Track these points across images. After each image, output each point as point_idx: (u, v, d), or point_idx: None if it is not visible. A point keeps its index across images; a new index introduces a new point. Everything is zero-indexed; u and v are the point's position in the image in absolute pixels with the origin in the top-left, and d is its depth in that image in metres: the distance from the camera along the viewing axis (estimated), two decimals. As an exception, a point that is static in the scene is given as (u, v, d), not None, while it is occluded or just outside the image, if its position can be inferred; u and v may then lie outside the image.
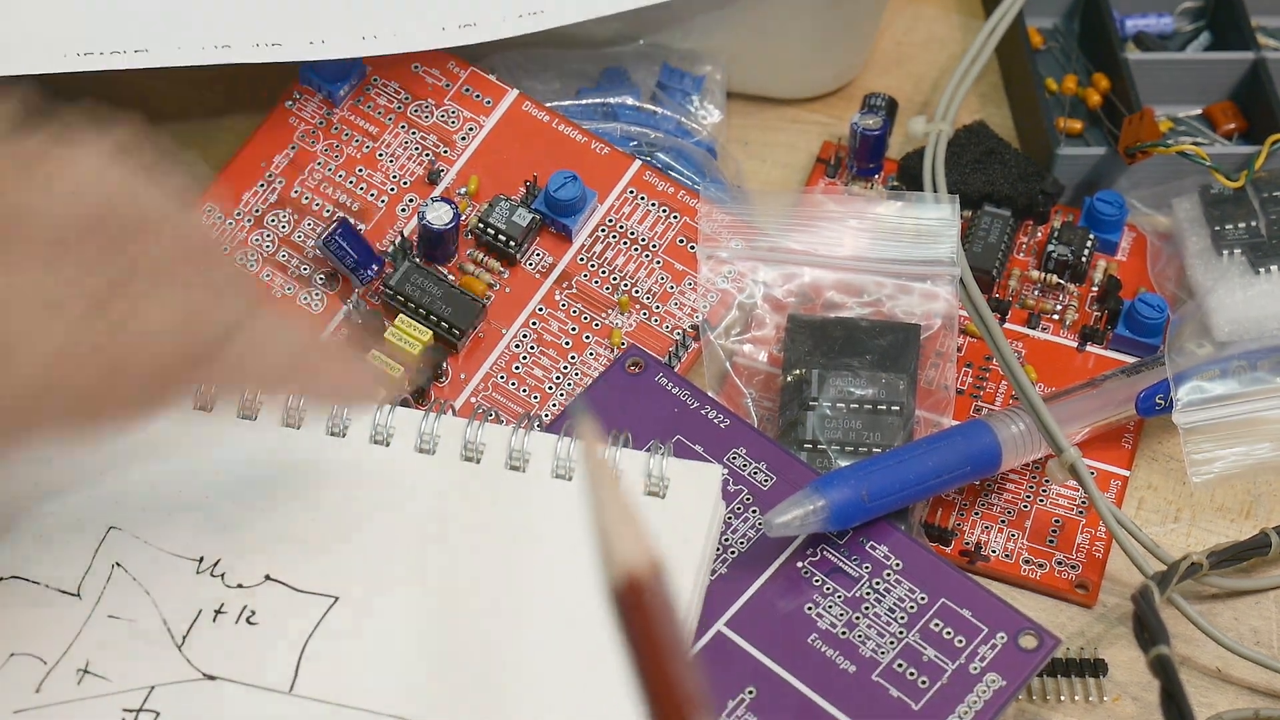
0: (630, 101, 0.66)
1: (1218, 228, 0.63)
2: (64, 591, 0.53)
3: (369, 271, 0.61)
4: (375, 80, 0.64)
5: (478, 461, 0.55)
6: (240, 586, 0.53)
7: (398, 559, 0.53)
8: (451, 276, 0.61)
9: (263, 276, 0.62)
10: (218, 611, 0.52)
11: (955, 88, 0.65)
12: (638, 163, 0.63)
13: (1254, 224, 0.63)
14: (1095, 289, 0.63)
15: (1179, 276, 0.63)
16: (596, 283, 0.62)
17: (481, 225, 0.61)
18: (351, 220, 0.62)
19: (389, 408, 0.56)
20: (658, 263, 0.62)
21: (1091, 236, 0.64)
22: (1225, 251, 0.62)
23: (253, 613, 0.52)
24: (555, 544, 0.53)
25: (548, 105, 0.65)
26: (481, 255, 0.62)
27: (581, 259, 0.62)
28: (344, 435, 0.55)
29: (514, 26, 0.63)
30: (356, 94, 0.64)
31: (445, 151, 0.63)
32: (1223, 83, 0.69)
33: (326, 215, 0.62)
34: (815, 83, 0.70)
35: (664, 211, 0.63)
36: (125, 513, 0.54)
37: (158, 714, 0.51)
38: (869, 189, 0.66)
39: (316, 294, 0.61)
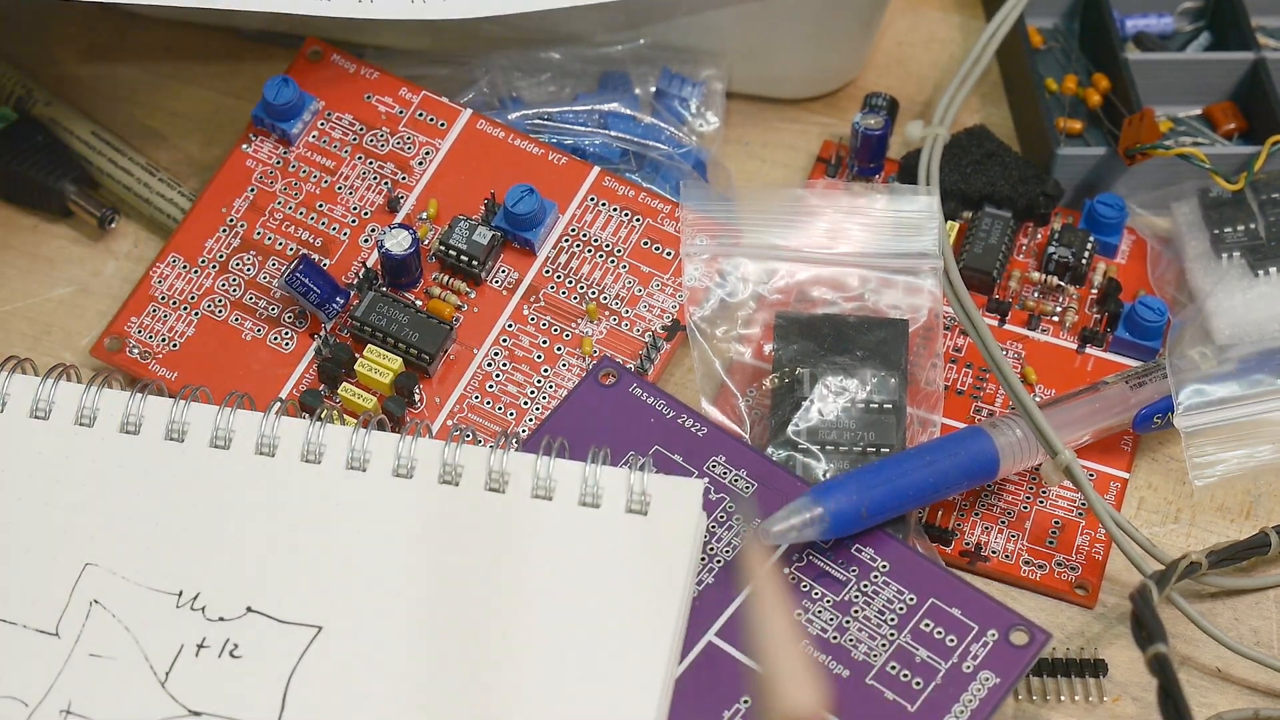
0: (621, 110, 0.66)
1: (1216, 231, 0.63)
2: (42, 631, 0.52)
3: (335, 305, 0.61)
4: (329, 115, 0.65)
5: (456, 484, 0.54)
6: (221, 620, 0.52)
7: (380, 586, 0.53)
8: (419, 302, 0.61)
9: (231, 321, 0.61)
10: (200, 646, 0.52)
11: (954, 92, 0.65)
12: (596, 169, 0.63)
13: (1253, 226, 0.63)
14: (1095, 291, 0.64)
15: (1178, 280, 0.63)
16: (564, 294, 0.62)
17: (443, 248, 0.61)
18: (313, 256, 0.62)
19: (364, 431, 0.55)
20: (624, 267, 0.62)
21: (1091, 239, 0.64)
22: (1224, 254, 0.62)
23: (235, 646, 0.52)
24: (538, 565, 0.53)
25: (541, 111, 0.66)
26: (447, 278, 0.62)
27: (547, 271, 0.62)
28: (319, 461, 0.55)
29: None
30: (310, 129, 0.64)
31: (403, 178, 0.64)
32: (1223, 83, 0.69)
33: (290, 254, 0.62)
34: (816, 82, 0.70)
35: (626, 215, 0.63)
36: (100, 547, 0.53)
37: None
38: (865, 185, 0.66)
39: (286, 333, 0.61)
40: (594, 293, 0.61)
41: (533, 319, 0.61)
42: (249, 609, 0.52)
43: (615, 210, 0.63)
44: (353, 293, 0.61)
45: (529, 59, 0.67)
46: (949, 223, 0.64)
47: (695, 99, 0.66)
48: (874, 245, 0.62)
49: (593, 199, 0.63)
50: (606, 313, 0.61)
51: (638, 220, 0.63)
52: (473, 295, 0.62)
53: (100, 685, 0.51)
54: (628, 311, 0.61)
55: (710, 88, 0.67)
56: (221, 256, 0.63)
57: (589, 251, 0.62)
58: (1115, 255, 0.64)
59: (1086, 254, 0.63)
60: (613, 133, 0.65)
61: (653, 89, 0.67)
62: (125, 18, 0.71)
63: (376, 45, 0.68)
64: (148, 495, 0.54)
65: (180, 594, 0.53)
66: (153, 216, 0.66)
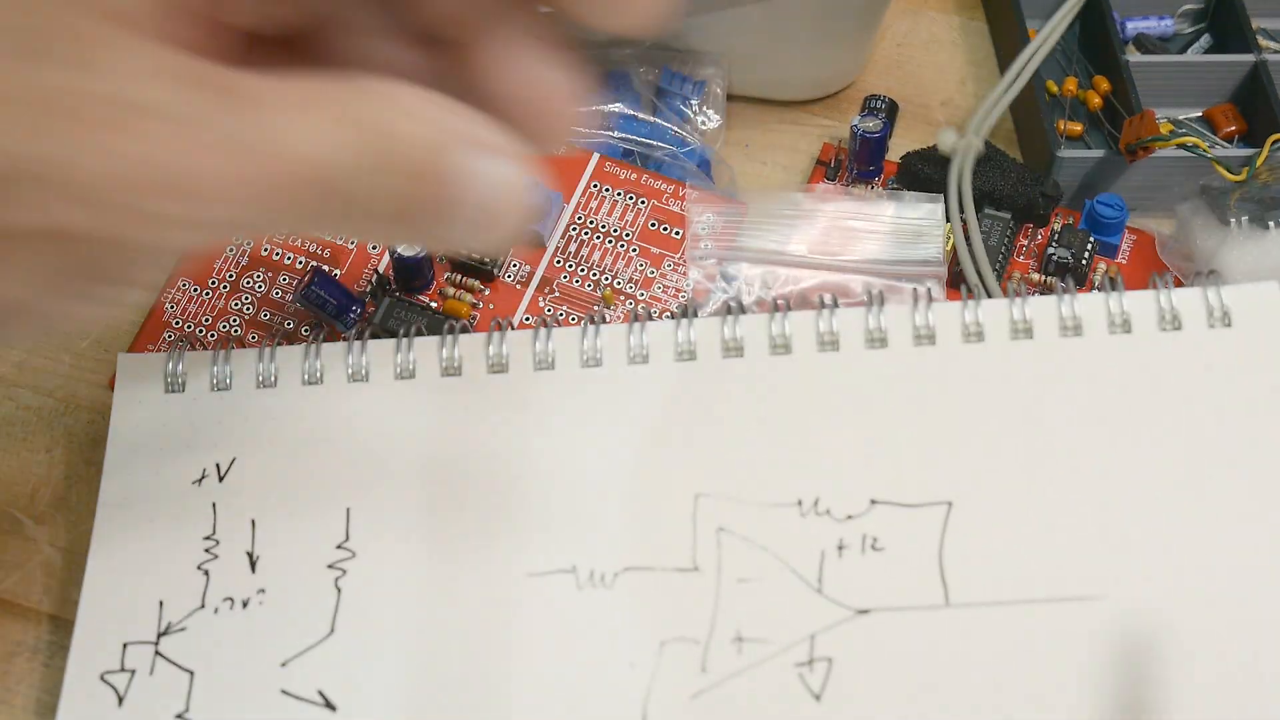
0: (624, 109, 0.66)
1: (1221, 210, 0.62)
2: (681, 570, 0.52)
3: (351, 315, 0.60)
4: None
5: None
6: (850, 518, 0.52)
7: (988, 451, 0.53)
8: (434, 304, 0.61)
9: (249, 339, 0.61)
10: (840, 547, 0.52)
11: (993, 104, 0.65)
12: (596, 156, 0.63)
13: (1253, 191, 0.62)
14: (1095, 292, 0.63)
15: (1189, 255, 0.63)
16: (578, 282, 0.61)
17: None
18: (325, 268, 0.61)
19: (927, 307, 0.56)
20: (634, 250, 0.62)
21: (1092, 240, 0.63)
22: (1233, 220, 0.62)
23: (875, 540, 0.52)
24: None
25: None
26: (459, 277, 0.61)
27: (559, 261, 0.62)
28: (885, 344, 0.55)
29: None
30: None
31: None
32: (1223, 85, 0.69)
33: (299, 267, 0.62)
34: (816, 85, 0.70)
35: (630, 199, 0.63)
36: (705, 476, 0.54)
37: (830, 660, 0.50)
38: (868, 191, 0.66)
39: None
40: (607, 279, 0.61)
41: (549, 310, 0.61)
42: (873, 501, 0.53)
43: (620, 195, 0.63)
44: (367, 300, 0.61)
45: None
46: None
47: (696, 97, 0.66)
48: (878, 252, 0.61)
49: (596, 185, 0.63)
50: (622, 297, 0.61)
51: (643, 203, 0.63)
52: (487, 292, 0.61)
53: (761, 606, 0.51)
54: (642, 294, 0.61)
55: (711, 88, 0.67)
56: (231, 276, 0.62)
57: (598, 238, 0.62)
58: (1116, 255, 0.64)
59: (1087, 254, 0.63)
60: (617, 134, 0.65)
61: (654, 88, 0.67)
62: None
63: (376, 46, 0.68)
64: (745, 414, 0.55)
65: (800, 502, 0.53)
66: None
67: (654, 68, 0.67)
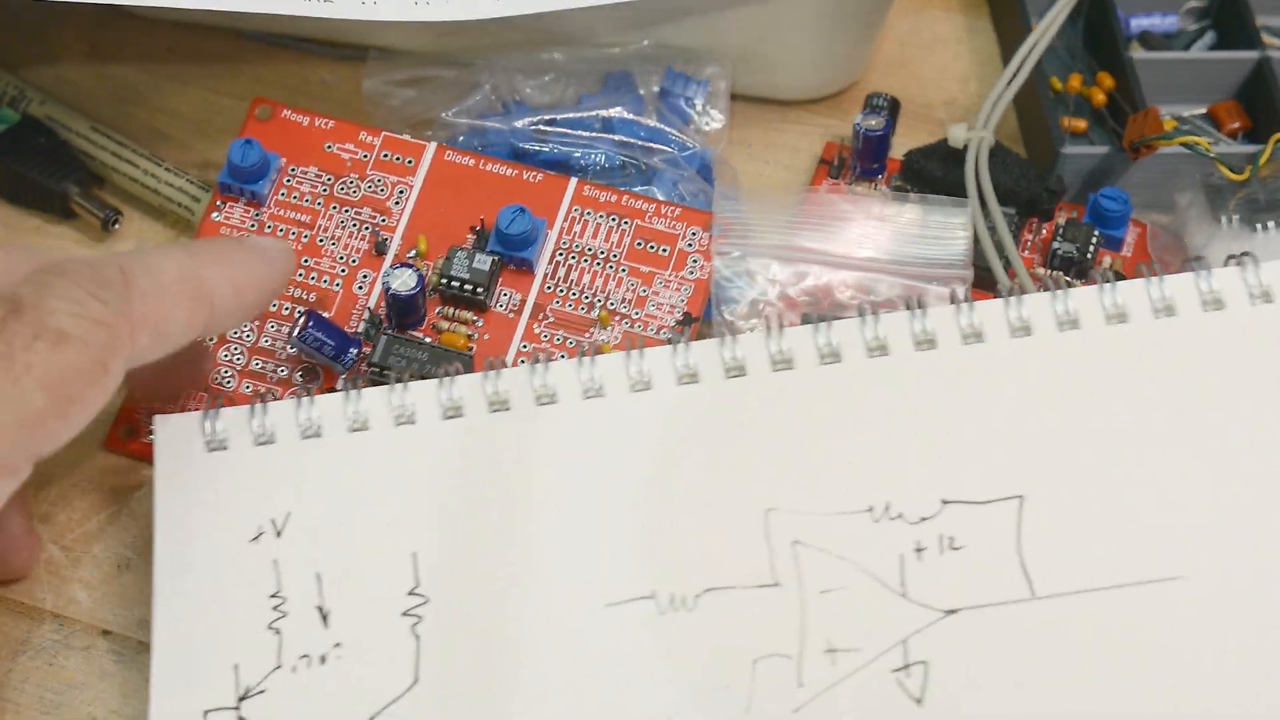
0: (624, 114, 0.66)
1: (1216, 204, 0.62)
2: (762, 586, 0.52)
3: (349, 356, 0.60)
4: (293, 170, 0.64)
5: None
6: (924, 520, 0.52)
7: (1051, 442, 0.53)
8: (428, 339, 0.61)
9: (243, 389, 0.60)
10: (918, 550, 0.52)
11: (997, 97, 0.65)
12: (574, 180, 0.63)
13: (1252, 193, 0.62)
14: (1100, 285, 0.63)
15: (1179, 250, 0.63)
16: (570, 306, 0.61)
17: (445, 280, 0.61)
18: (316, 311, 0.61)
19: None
20: (623, 270, 0.62)
21: (1096, 233, 0.63)
22: (1223, 217, 0.62)
23: (952, 539, 0.52)
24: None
25: (544, 118, 0.65)
26: (451, 310, 0.61)
27: (549, 288, 0.61)
28: (934, 345, 0.55)
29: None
30: (278, 188, 0.63)
31: (383, 220, 0.63)
32: (1227, 82, 0.69)
33: (286, 314, 0.61)
34: (819, 84, 0.70)
35: (614, 221, 0.62)
36: (773, 492, 0.53)
37: (926, 663, 0.51)
38: (872, 190, 0.66)
39: (300, 394, 0.58)
40: (600, 300, 0.61)
41: (545, 336, 0.61)
42: (944, 502, 0.53)
43: (602, 217, 0.62)
44: (362, 340, 0.61)
45: (532, 60, 0.67)
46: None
47: (700, 97, 0.66)
48: (903, 252, 0.61)
49: (577, 209, 0.63)
50: (617, 317, 0.61)
51: (626, 223, 0.62)
52: (480, 323, 0.61)
53: (848, 616, 0.51)
54: (637, 313, 0.61)
55: (714, 86, 0.67)
56: (218, 327, 0.62)
57: (585, 261, 0.62)
58: (1120, 248, 0.64)
59: (1091, 248, 0.63)
60: (617, 136, 0.65)
61: (657, 88, 0.66)
62: (126, 20, 0.71)
63: (380, 47, 0.68)
64: (797, 425, 0.55)
65: (871, 509, 0.53)
66: (162, 206, 0.66)
67: (657, 66, 0.67)
